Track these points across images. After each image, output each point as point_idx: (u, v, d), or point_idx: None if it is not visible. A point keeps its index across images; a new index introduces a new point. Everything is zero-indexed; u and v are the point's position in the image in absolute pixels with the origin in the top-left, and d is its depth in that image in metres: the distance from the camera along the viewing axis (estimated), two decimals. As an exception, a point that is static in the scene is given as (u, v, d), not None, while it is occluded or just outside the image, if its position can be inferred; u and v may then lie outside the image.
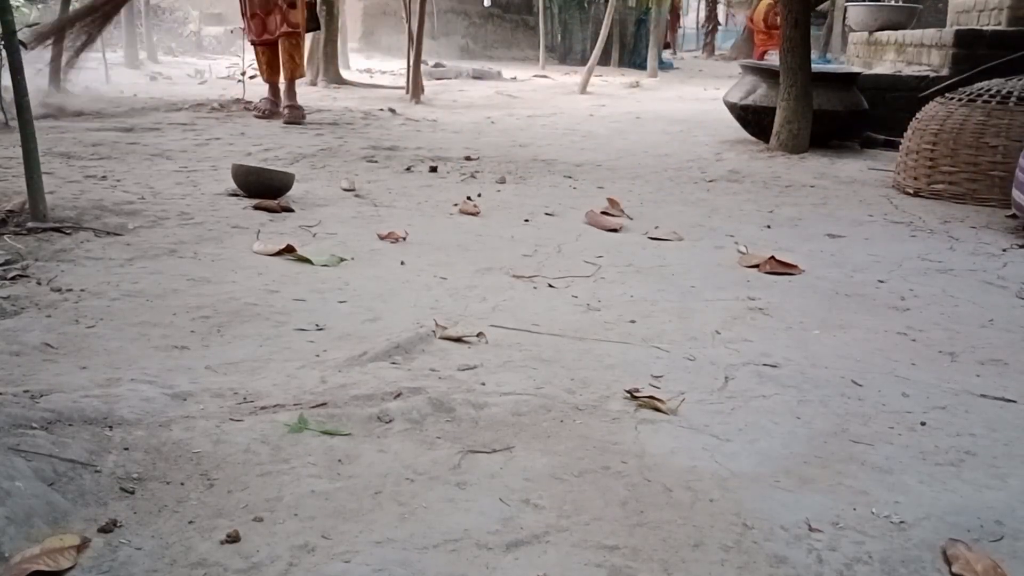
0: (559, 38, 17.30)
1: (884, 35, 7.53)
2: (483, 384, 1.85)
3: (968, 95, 4.31)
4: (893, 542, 1.34)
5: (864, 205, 4.04)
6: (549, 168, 4.72)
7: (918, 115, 4.47)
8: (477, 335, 2.13)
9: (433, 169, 4.48)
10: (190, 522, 1.31)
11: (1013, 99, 4.14)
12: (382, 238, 3.03)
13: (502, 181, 4.26)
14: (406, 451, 1.56)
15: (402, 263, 2.77)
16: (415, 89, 8.19)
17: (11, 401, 1.61)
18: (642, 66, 14.72)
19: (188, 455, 1.50)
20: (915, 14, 7.96)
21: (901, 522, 1.40)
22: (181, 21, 14.74)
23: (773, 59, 7.63)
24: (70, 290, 2.35)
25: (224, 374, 1.87)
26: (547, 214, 3.58)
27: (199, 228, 3.09)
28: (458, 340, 2.11)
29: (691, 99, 9.80)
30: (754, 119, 5.77)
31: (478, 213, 3.53)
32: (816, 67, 5.56)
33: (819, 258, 3.04)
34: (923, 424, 1.76)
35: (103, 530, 1.28)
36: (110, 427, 1.55)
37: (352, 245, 2.96)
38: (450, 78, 11.47)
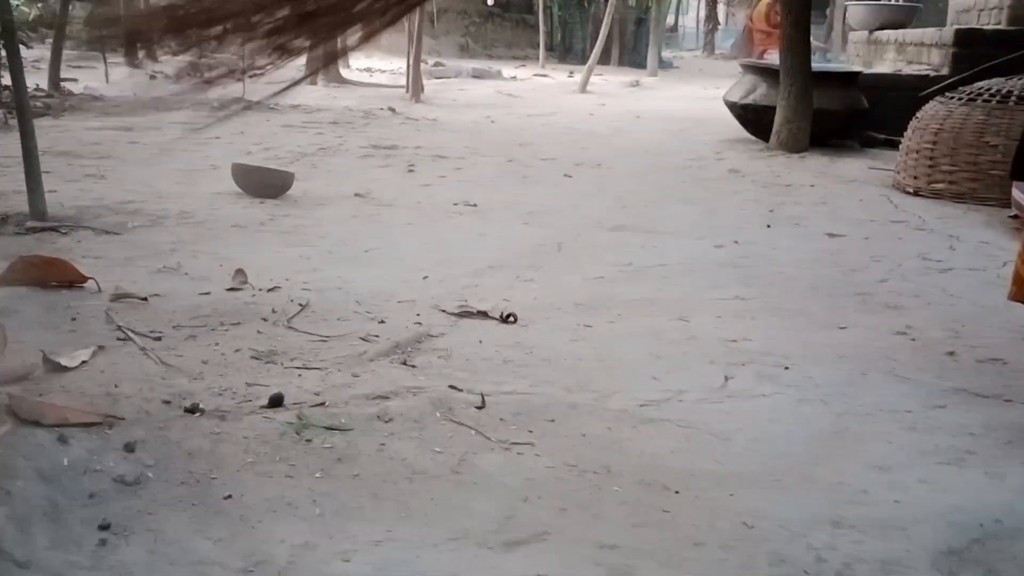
0: (559, 37, 17.28)
1: (884, 34, 7.53)
2: (483, 383, 1.85)
3: (968, 94, 4.31)
4: (892, 542, 1.34)
5: (864, 204, 4.03)
6: (550, 167, 4.72)
7: (918, 114, 4.46)
8: (477, 337, 2.13)
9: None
10: (190, 521, 1.31)
11: (1013, 98, 4.13)
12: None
13: (502, 180, 4.25)
14: (406, 450, 1.56)
15: (402, 262, 2.77)
16: (415, 88, 8.18)
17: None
18: (642, 65, 14.70)
19: (188, 455, 1.50)
20: (915, 13, 7.96)
21: (900, 521, 1.40)
22: (181, 20, 14.71)
23: (773, 58, 7.63)
24: (70, 289, 2.35)
25: (224, 374, 1.86)
26: (547, 213, 3.58)
27: (199, 227, 3.09)
28: (457, 340, 2.10)
29: (691, 98, 9.79)
30: (754, 118, 5.76)
31: (478, 212, 3.52)
32: (816, 66, 5.56)
33: (819, 257, 3.04)
34: (923, 424, 1.76)
35: (103, 528, 1.28)
36: (110, 427, 1.55)
37: (352, 244, 2.96)
38: (450, 77, 11.45)
